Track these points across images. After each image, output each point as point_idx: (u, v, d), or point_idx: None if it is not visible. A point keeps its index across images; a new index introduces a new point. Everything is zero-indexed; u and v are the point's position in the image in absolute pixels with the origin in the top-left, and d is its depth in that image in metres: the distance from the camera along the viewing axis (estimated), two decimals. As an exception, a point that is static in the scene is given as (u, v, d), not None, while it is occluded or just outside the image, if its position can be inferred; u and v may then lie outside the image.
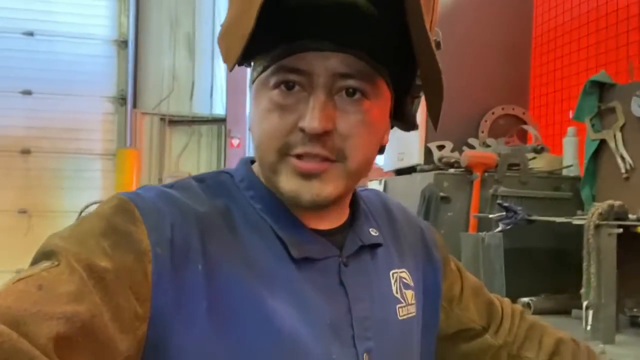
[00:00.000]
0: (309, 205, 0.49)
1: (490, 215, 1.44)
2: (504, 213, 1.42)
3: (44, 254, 0.42)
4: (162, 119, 5.01)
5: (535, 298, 1.40)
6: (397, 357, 0.55)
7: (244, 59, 0.49)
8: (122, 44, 4.90)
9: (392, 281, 0.58)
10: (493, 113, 1.95)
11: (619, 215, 1.17)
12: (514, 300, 1.48)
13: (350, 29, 0.45)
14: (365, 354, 0.52)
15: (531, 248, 1.51)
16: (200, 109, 5.08)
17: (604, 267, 1.10)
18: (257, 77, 0.50)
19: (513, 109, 1.97)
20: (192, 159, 5.02)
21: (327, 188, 0.49)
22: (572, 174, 1.72)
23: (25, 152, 4.72)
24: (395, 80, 0.51)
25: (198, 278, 0.45)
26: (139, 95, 5.00)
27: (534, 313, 1.38)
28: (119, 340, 0.40)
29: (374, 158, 0.53)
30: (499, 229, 1.43)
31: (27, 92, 4.74)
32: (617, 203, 1.18)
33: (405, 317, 0.58)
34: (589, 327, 1.15)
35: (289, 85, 0.48)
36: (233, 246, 0.49)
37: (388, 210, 0.64)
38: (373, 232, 0.58)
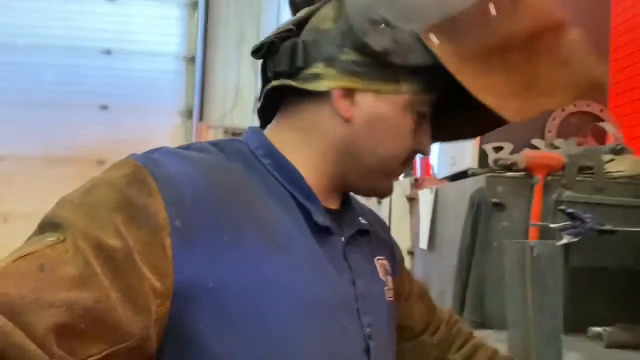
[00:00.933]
0: (383, 197, 0.64)
1: (552, 225, 1.19)
2: (569, 222, 1.17)
3: (51, 225, 0.41)
4: (226, 132, 5.10)
5: (610, 328, 1.12)
6: (388, 335, 0.60)
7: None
8: (191, 60, 5.08)
9: (378, 266, 0.62)
10: (564, 110, 1.68)
11: None
12: (583, 330, 1.22)
13: None
14: (367, 327, 0.55)
15: (605, 267, 1.24)
16: (262, 123, 5.11)
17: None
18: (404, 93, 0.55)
19: (588, 105, 1.69)
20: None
21: None
22: (663, 180, 1.42)
23: (101, 163, 4.99)
24: None
25: (224, 249, 0.45)
26: (205, 110, 5.14)
27: (608, 346, 1.11)
28: (130, 322, 0.39)
29: None
30: (564, 241, 1.18)
31: (105, 107, 5.04)
32: None
33: (390, 299, 0.62)
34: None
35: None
36: (257, 212, 0.49)
37: (361, 206, 0.68)
38: (363, 220, 0.62)
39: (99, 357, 0.37)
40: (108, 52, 4.94)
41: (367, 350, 0.54)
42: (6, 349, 0.33)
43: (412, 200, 2.67)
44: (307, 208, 0.53)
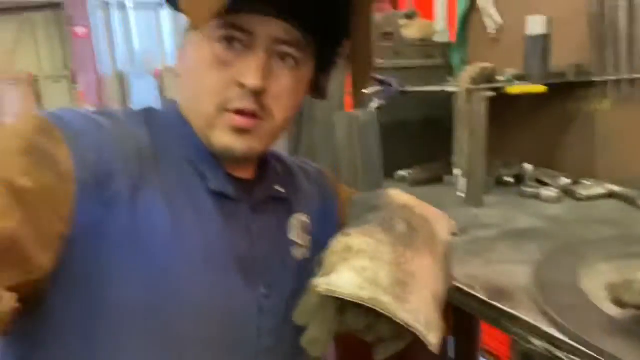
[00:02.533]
0: (241, 157, 0.56)
1: (366, 91, 1.34)
2: (380, 87, 1.33)
3: None
4: (-22, 7, 4.05)
5: (412, 170, 1.39)
6: (294, 292, 0.59)
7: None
8: None
9: (290, 227, 0.64)
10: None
11: (490, 78, 1.14)
12: (392, 174, 1.49)
13: (292, 0, 0.52)
14: (263, 287, 0.57)
15: (405, 121, 1.48)
16: (27, -8, 4.17)
17: (475, 134, 1.08)
18: None
19: (383, -29, 1.80)
20: (29, 55, 4.22)
21: (257, 142, 0.55)
22: (444, 40, 1.67)
23: None
24: (318, 55, 0.58)
25: (120, 200, 0.48)
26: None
27: (412, 185, 1.39)
28: (40, 257, 0.42)
29: (292, 120, 0.59)
30: (375, 104, 1.35)
31: None
32: (489, 66, 1.14)
33: (301, 258, 0.63)
34: (463, 195, 1.17)
35: (231, 41, 0.53)
36: (154, 172, 0.52)
37: (288, 168, 0.70)
38: (279, 187, 0.64)
39: (8, 284, 0.40)
40: None
41: (261, 309, 0.57)
42: None
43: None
44: (205, 175, 0.55)
